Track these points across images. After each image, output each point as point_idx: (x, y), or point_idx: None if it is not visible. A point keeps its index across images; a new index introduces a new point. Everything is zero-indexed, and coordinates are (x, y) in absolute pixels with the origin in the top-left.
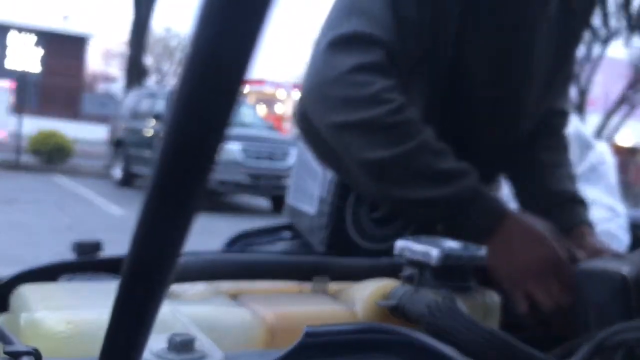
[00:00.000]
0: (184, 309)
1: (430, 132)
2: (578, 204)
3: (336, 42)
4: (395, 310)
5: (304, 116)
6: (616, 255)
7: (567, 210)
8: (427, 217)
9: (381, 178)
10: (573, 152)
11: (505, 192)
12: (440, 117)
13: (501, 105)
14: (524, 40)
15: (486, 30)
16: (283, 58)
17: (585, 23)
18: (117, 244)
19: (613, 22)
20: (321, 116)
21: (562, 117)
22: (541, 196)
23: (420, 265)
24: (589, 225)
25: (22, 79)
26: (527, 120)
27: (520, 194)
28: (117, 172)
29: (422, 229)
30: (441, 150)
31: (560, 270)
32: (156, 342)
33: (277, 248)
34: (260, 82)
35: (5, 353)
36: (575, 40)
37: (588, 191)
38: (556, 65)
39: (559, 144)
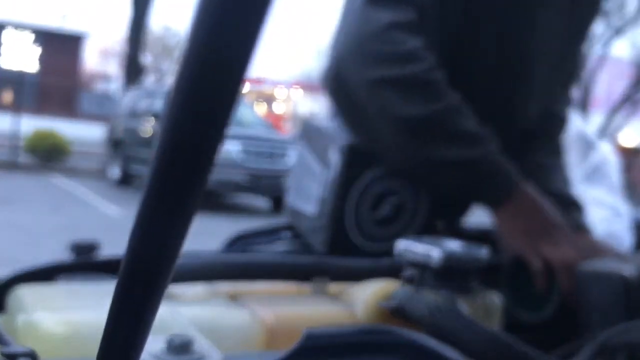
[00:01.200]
0: (182, 310)
1: (457, 94)
2: (574, 208)
3: None
4: (396, 312)
5: (337, 75)
6: (617, 256)
7: (564, 215)
8: (451, 179)
9: (414, 135)
10: (575, 152)
11: None
12: None
13: (502, 85)
14: (525, 18)
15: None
16: (282, 56)
17: (593, 16)
18: (115, 244)
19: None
20: (357, 73)
21: (559, 123)
22: None
23: (421, 266)
24: (586, 230)
25: (19, 78)
26: (529, 108)
27: None
28: (115, 172)
29: (424, 229)
30: (469, 114)
31: (564, 234)
32: (154, 343)
33: (277, 248)
34: (259, 80)
35: (2, 354)
36: (582, 32)
37: (591, 191)
38: (562, 57)
39: (555, 149)
